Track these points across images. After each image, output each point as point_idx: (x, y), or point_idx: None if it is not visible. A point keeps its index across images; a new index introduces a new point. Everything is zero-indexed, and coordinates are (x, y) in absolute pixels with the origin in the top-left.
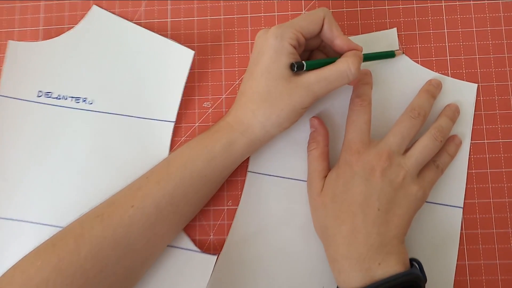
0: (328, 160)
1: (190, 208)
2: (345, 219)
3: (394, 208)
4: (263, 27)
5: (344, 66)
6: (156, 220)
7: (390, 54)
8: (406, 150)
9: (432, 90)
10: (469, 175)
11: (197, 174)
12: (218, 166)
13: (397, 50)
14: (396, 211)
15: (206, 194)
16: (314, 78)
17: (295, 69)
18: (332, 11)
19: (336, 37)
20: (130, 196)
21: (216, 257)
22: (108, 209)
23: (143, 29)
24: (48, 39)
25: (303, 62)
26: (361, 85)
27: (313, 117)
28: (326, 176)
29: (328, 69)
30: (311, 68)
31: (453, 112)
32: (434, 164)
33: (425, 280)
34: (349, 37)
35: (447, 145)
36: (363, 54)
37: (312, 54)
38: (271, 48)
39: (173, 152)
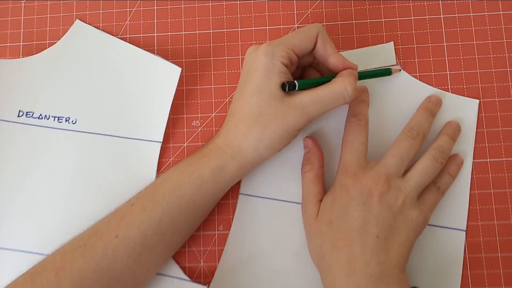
0: (323, 182)
1: (179, 236)
2: (342, 248)
3: (394, 235)
4: (253, 42)
5: (340, 87)
6: (142, 251)
7: (386, 72)
8: (405, 171)
9: (431, 108)
10: (471, 196)
11: (185, 200)
12: (208, 192)
13: (394, 66)
14: (396, 238)
15: (195, 220)
16: (309, 99)
17: (287, 89)
18: (325, 24)
19: (330, 55)
20: (114, 225)
21: (206, 286)
22: (91, 239)
23: (129, 44)
24: (29, 55)
25: (295, 81)
26: (357, 103)
27: (306, 137)
28: (321, 200)
29: (323, 90)
30: (304, 88)
31: (454, 130)
32: (435, 186)
33: None
34: (344, 52)
35: (448, 165)
36: (358, 73)
37: (304, 72)
38: (261, 67)
39: (160, 176)
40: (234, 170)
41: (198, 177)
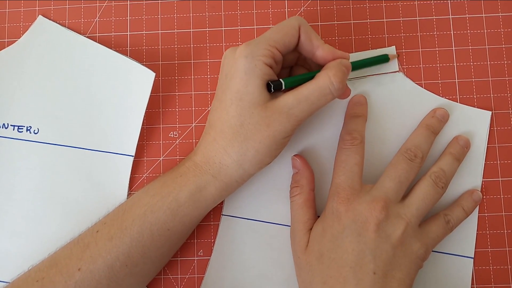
0: (314, 207)
1: (152, 267)
2: (334, 285)
3: (393, 271)
4: (239, 43)
5: (325, 81)
6: (109, 285)
7: (383, 59)
8: (403, 196)
9: (434, 125)
10: (480, 219)
11: (158, 227)
12: (185, 217)
13: (391, 52)
14: (395, 274)
15: (170, 248)
16: (293, 100)
17: (272, 89)
18: (320, 24)
19: (317, 48)
20: (77, 255)
21: None
22: (50, 271)
23: (98, 44)
24: None
25: (281, 80)
26: (352, 118)
27: (295, 155)
28: (312, 228)
29: (307, 87)
30: (290, 86)
31: (461, 148)
32: (445, 219)
33: None
34: None
35: (463, 199)
36: (352, 63)
37: (292, 71)
38: (241, 71)
39: (131, 197)
40: (216, 191)
41: (174, 200)
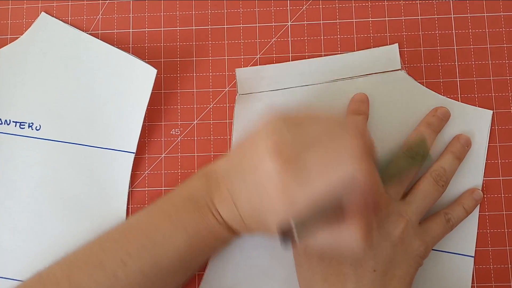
0: None
1: None
2: (334, 283)
3: (393, 269)
4: (241, 40)
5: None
6: None
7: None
8: (404, 195)
9: (435, 123)
10: (481, 218)
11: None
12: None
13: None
14: (395, 272)
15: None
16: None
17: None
18: (322, 23)
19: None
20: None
21: None
22: None
23: (100, 41)
24: None
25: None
26: (354, 116)
27: None
28: None
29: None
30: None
31: (462, 147)
32: (445, 217)
33: None
34: (342, 54)
35: (464, 197)
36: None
37: None
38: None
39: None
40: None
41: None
